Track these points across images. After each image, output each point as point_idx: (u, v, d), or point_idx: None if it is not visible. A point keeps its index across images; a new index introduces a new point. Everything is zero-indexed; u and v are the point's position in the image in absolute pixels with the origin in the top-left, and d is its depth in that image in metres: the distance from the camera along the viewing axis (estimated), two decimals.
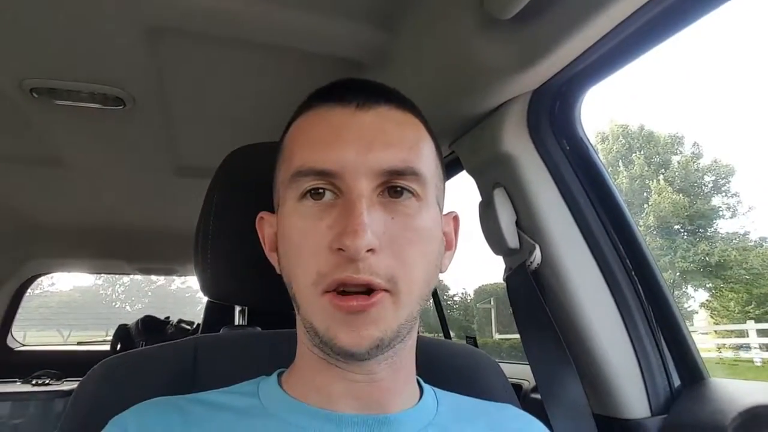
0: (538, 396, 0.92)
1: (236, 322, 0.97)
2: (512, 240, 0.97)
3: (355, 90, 0.49)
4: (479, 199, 1.07)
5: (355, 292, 0.44)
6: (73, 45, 0.96)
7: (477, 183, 1.08)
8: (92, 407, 0.58)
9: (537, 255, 0.94)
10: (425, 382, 0.56)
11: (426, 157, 0.49)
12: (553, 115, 0.95)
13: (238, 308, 0.97)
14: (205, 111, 1.27)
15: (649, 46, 0.78)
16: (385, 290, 0.44)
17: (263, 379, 0.54)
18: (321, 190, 0.46)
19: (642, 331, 0.91)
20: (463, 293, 25.79)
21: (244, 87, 1.15)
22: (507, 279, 1.01)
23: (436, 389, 0.57)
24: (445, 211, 0.55)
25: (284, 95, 1.15)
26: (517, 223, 0.98)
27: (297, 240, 0.46)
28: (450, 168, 1.25)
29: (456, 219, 0.57)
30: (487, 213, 1.01)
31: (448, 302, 24.84)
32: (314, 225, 0.45)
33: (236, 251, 0.67)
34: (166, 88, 1.14)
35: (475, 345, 1.14)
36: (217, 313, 1.67)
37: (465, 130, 1.05)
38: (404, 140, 0.48)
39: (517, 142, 0.95)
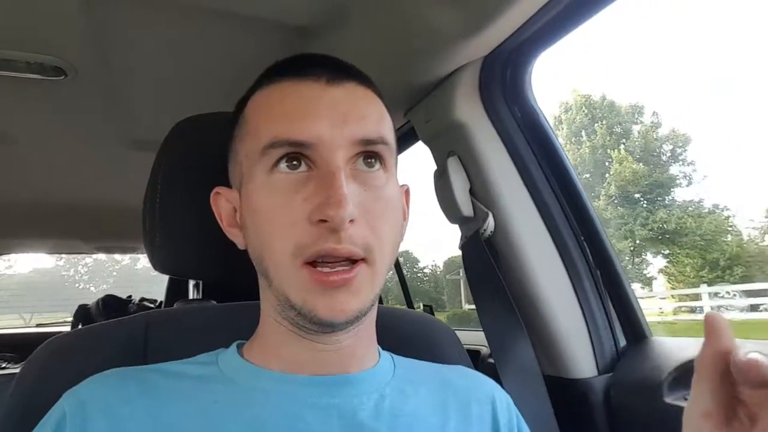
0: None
1: (190, 296, 0.95)
2: (466, 208, 0.98)
3: (322, 65, 0.50)
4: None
5: (332, 262, 0.44)
6: (6, 10, 0.91)
7: (432, 152, 1.08)
8: (39, 385, 0.57)
9: (490, 222, 0.95)
10: (384, 348, 0.58)
11: (390, 130, 0.51)
12: (504, 82, 0.95)
13: (192, 282, 0.96)
14: (151, 81, 1.22)
15: (595, 10, 0.78)
16: (363, 260, 0.45)
17: (222, 351, 0.54)
18: (296, 161, 0.46)
19: (590, 295, 0.94)
20: (432, 265, 26.18)
21: (189, 55, 1.11)
22: (462, 247, 1.02)
23: (393, 355, 0.58)
24: None
25: (233, 63, 1.12)
26: (471, 191, 0.99)
27: (270, 214, 0.46)
28: (406, 138, 1.25)
29: (407, 192, 0.58)
30: (442, 182, 1.01)
31: (418, 274, 25.19)
32: (289, 198, 0.45)
33: (186, 224, 0.66)
34: (107, 57, 1.09)
35: (432, 313, 1.16)
36: (177, 289, 1.64)
37: (418, 98, 1.05)
38: (373, 114, 0.50)
39: (469, 110, 0.95)
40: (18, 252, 2.89)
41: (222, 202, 0.55)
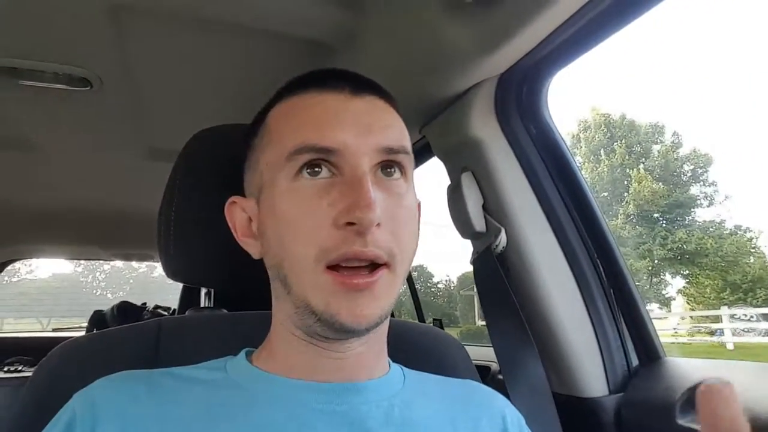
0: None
1: (202, 304, 0.96)
2: (479, 223, 0.98)
3: (344, 78, 0.51)
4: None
5: (355, 267, 0.45)
6: (36, 23, 0.94)
7: (446, 167, 1.09)
8: (50, 387, 0.58)
9: (503, 238, 0.95)
10: (392, 360, 0.58)
11: (409, 142, 0.52)
12: (520, 99, 0.96)
13: (204, 290, 0.97)
14: (171, 92, 1.25)
15: (613, 29, 0.78)
16: (385, 265, 0.46)
17: (230, 358, 0.54)
18: (318, 168, 0.47)
19: (602, 313, 0.93)
20: (446, 281, 26.03)
21: (212, 68, 1.14)
22: (474, 263, 1.02)
23: (403, 367, 0.58)
24: None
25: (250, 77, 1.14)
26: (484, 207, 0.99)
27: (294, 219, 0.47)
28: (420, 154, 1.26)
29: (419, 206, 0.59)
30: (455, 197, 1.02)
31: (432, 289, 25.04)
32: (314, 203, 0.46)
33: (200, 233, 0.67)
34: (133, 69, 1.12)
35: (441, 327, 1.16)
36: (190, 298, 1.65)
37: (434, 114, 1.06)
38: (395, 126, 0.51)
39: (484, 127, 0.95)
40: (38, 257, 2.94)
41: (237, 212, 0.55)
